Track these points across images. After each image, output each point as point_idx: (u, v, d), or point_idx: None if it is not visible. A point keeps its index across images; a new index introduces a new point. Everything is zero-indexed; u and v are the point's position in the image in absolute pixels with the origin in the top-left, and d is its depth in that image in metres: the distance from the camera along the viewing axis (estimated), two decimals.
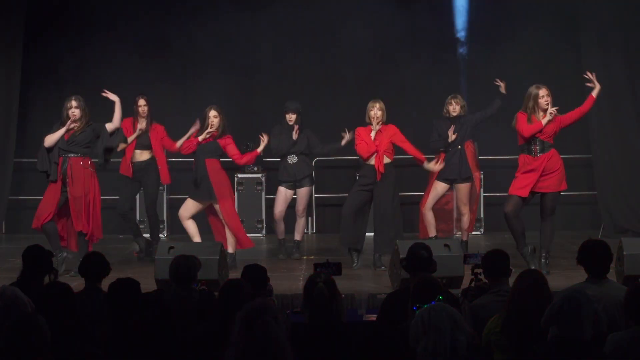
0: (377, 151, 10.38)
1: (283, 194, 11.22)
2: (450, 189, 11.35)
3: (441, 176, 10.90)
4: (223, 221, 10.57)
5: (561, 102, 13.32)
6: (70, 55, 13.49)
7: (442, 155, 10.88)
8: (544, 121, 9.86)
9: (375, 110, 10.44)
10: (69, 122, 10.07)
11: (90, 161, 10.21)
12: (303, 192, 11.21)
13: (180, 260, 6.74)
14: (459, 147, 10.89)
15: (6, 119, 13.30)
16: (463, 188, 11.01)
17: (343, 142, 10.91)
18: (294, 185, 11.19)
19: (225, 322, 5.21)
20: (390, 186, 10.46)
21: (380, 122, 10.44)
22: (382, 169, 10.33)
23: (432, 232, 10.96)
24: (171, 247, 9.00)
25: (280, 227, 11.29)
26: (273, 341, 4.40)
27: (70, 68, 13.52)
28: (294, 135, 10.99)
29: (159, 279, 8.46)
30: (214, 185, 10.50)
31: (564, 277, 9.25)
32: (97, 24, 13.21)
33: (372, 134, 10.38)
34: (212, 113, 10.56)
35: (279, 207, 11.24)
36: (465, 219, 11.13)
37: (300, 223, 11.30)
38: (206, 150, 10.56)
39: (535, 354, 4.81)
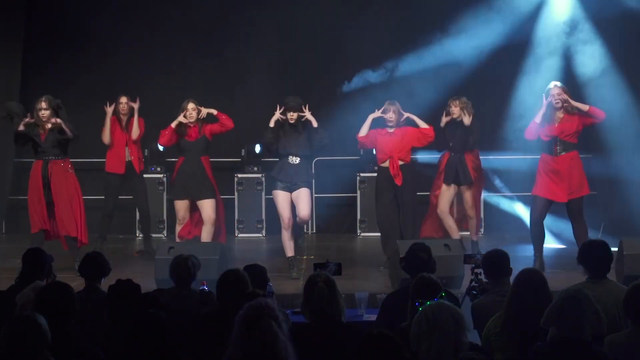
0: (391, 156, 10.21)
1: (282, 197, 10.01)
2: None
3: (448, 180, 10.84)
4: (207, 218, 10.41)
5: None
6: (70, 55, 13.48)
7: (447, 156, 10.82)
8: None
9: (391, 114, 10.23)
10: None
11: (70, 162, 10.28)
12: (303, 194, 9.98)
13: (180, 260, 6.75)
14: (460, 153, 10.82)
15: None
16: (467, 192, 10.94)
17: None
18: (290, 188, 9.98)
19: (225, 313, 5.23)
20: (410, 187, 10.26)
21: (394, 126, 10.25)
22: (396, 172, 10.19)
23: (455, 235, 10.70)
24: (171, 247, 8.99)
25: (290, 241, 10.02)
26: (273, 341, 4.40)
27: (70, 68, 13.51)
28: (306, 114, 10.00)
29: (159, 279, 8.46)
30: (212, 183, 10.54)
31: (564, 277, 9.25)
32: (97, 24, 13.19)
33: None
34: (191, 105, 10.42)
35: (286, 213, 9.97)
36: (472, 222, 11.05)
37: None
38: (201, 147, 10.51)
39: (535, 354, 4.81)
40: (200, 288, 6.87)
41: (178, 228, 10.58)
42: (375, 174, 11.32)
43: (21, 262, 6.84)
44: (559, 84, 9.99)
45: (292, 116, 9.98)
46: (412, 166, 10.56)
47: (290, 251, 9.97)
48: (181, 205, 10.53)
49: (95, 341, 5.30)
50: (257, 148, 13.26)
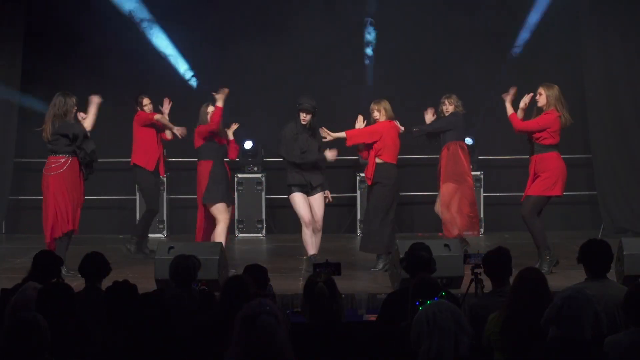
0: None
1: (301, 198, 10.02)
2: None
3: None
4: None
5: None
6: (70, 55, 13.49)
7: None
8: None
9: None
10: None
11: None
12: (319, 200, 10.10)
13: (180, 260, 6.74)
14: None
15: (6, 119, 13.32)
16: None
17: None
18: (306, 191, 10.05)
19: (226, 320, 5.22)
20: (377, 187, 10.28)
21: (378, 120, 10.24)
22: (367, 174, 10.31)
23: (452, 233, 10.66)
24: (171, 247, 8.99)
25: (312, 239, 10.02)
26: (273, 341, 4.40)
27: (70, 68, 13.52)
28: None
29: (159, 279, 8.46)
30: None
31: (564, 277, 9.25)
32: (97, 25, 13.20)
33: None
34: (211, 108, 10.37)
35: (306, 213, 10.00)
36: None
37: (317, 238, 10.12)
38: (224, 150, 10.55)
39: (535, 354, 4.81)
40: (201, 288, 6.87)
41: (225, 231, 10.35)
42: None
43: (32, 262, 6.81)
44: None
45: (305, 118, 9.90)
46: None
47: (312, 249, 10.00)
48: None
49: (95, 341, 5.30)
50: (248, 144, 13.32)
